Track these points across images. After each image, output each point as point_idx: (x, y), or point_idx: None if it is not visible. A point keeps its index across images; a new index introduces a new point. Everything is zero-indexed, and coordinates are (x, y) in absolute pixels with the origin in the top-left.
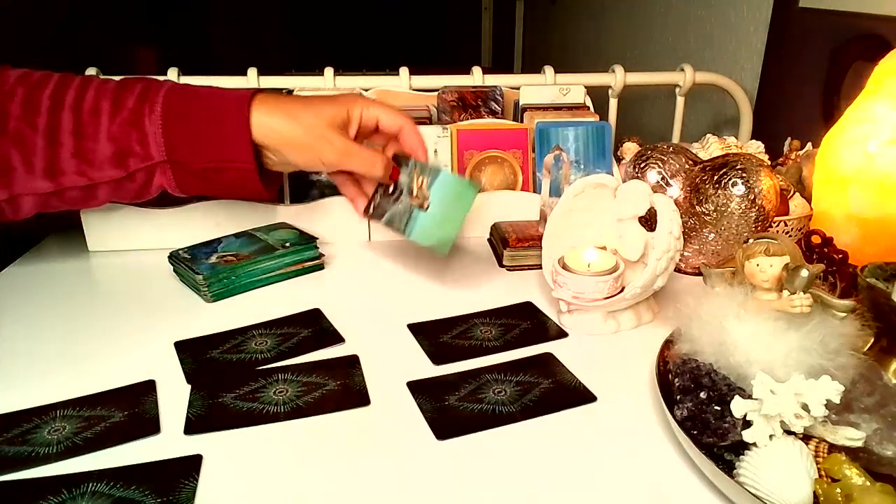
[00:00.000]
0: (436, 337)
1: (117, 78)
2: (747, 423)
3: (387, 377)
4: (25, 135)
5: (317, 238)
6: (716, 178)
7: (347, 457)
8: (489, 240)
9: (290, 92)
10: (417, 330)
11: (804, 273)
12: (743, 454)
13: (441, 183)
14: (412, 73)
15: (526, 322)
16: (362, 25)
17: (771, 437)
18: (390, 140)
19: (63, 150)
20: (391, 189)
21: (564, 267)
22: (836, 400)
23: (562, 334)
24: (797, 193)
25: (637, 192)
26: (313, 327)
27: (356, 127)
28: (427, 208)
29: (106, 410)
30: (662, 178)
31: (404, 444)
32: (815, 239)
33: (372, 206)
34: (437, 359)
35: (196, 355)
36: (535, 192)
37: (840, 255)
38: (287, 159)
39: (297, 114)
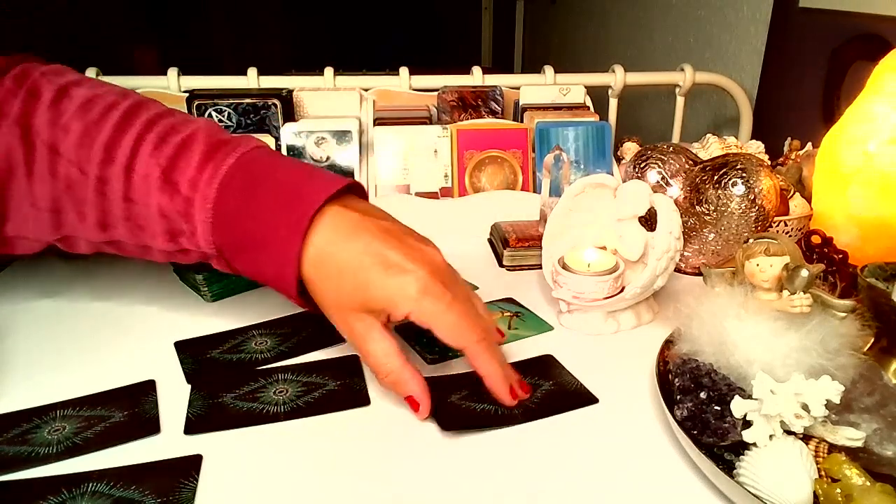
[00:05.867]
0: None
1: (176, 116)
2: (747, 423)
3: None
4: (76, 182)
5: None
6: (716, 178)
7: (347, 457)
8: (489, 240)
9: (290, 92)
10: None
11: (804, 273)
12: (743, 454)
13: None
14: (412, 73)
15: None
16: (362, 25)
17: (771, 437)
18: None
19: (114, 209)
20: None
21: (564, 267)
22: (836, 400)
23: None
24: (797, 193)
25: (637, 192)
26: (313, 327)
27: (398, 321)
28: None
29: (106, 410)
30: (662, 178)
31: (404, 445)
32: (815, 239)
33: None
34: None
35: (196, 355)
36: (535, 192)
37: (840, 255)
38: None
39: (343, 275)
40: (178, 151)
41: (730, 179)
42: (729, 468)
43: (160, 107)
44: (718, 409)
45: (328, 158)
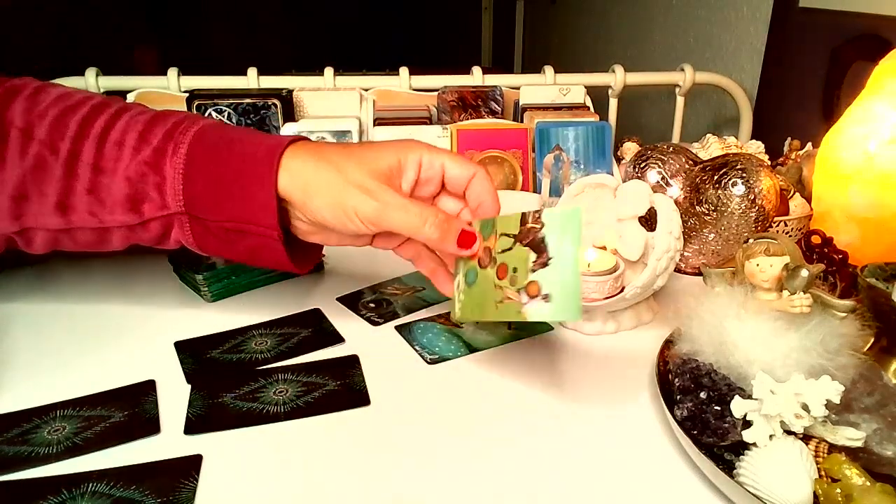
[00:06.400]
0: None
1: (159, 108)
2: (747, 423)
3: (387, 377)
4: (45, 161)
5: None
6: (716, 178)
7: (347, 457)
8: None
9: (289, 92)
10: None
11: (804, 273)
12: (743, 454)
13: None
14: (412, 73)
15: None
16: (362, 25)
17: (771, 437)
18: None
19: (78, 184)
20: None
21: None
22: (836, 400)
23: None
24: (797, 193)
25: (637, 192)
26: (313, 327)
27: (414, 177)
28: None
29: (106, 410)
30: (662, 178)
31: (404, 445)
32: (815, 239)
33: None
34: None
35: (196, 355)
36: (535, 192)
37: (840, 255)
38: (315, 216)
39: (336, 159)
40: (154, 119)
41: (730, 179)
42: (729, 468)
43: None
44: (718, 409)
45: None
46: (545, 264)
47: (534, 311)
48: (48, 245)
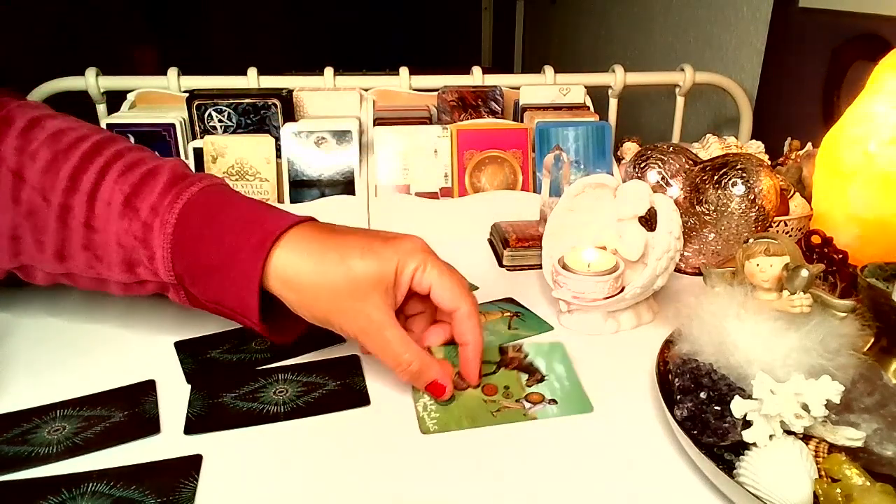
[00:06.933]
0: None
1: (146, 152)
2: (747, 423)
3: (387, 377)
4: (39, 209)
5: None
6: (716, 178)
7: (347, 457)
8: (489, 240)
9: (290, 93)
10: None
11: (804, 273)
12: (743, 454)
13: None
14: (412, 73)
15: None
16: (362, 25)
17: (771, 437)
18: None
19: (74, 238)
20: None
21: (564, 267)
22: (836, 400)
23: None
24: (797, 193)
25: (637, 192)
26: (313, 327)
27: (404, 292)
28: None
29: (106, 410)
30: (662, 178)
31: (404, 445)
32: (815, 239)
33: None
34: None
35: (196, 355)
36: (535, 192)
37: (840, 255)
38: (300, 314)
39: (328, 264)
40: (143, 179)
41: (730, 179)
42: (729, 468)
43: (130, 142)
44: (718, 409)
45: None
46: (541, 380)
47: (545, 412)
48: (49, 281)
